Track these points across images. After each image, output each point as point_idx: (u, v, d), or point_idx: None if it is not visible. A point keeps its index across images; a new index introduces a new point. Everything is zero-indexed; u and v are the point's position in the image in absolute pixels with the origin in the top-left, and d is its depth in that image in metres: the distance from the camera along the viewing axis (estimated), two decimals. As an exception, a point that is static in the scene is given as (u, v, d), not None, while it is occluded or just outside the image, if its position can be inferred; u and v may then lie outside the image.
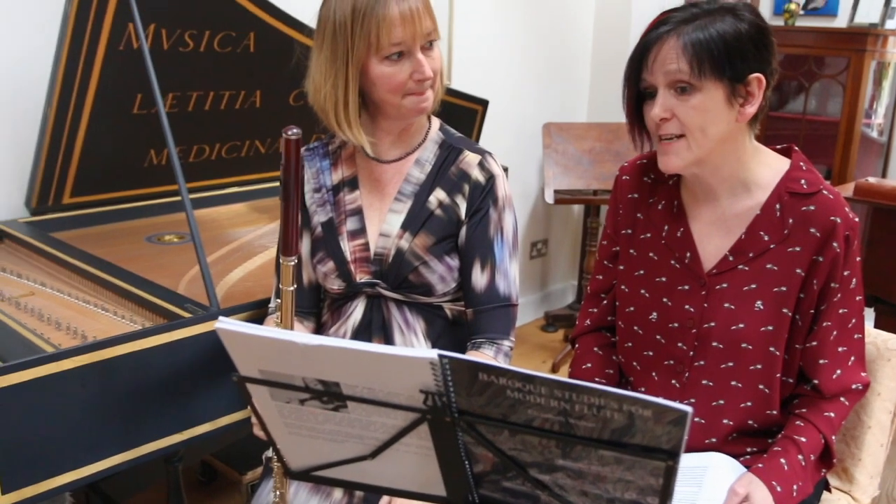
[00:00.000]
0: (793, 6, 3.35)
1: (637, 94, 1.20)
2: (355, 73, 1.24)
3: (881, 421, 1.36)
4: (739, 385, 1.24)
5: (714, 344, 1.24)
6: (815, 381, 1.23)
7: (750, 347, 1.22)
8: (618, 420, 0.76)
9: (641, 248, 1.32)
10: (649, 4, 3.34)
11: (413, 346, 1.34)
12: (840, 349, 1.23)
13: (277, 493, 1.16)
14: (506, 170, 1.48)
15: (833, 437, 1.23)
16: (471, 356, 1.31)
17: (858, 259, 1.23)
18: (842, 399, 1.24)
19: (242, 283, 1.70)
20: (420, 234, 1.33)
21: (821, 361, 1.22)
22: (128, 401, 1.33)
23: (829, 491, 1.36)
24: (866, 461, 1.37)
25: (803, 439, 1.21)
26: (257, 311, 1.51)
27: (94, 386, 1.27)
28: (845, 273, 1.20)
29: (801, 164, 1.24)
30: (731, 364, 1.24)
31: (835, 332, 1.22)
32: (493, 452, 0.85)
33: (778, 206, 1.21)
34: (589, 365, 1.39)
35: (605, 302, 1.41)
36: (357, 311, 1.36)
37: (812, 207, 1.19)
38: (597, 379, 1.37)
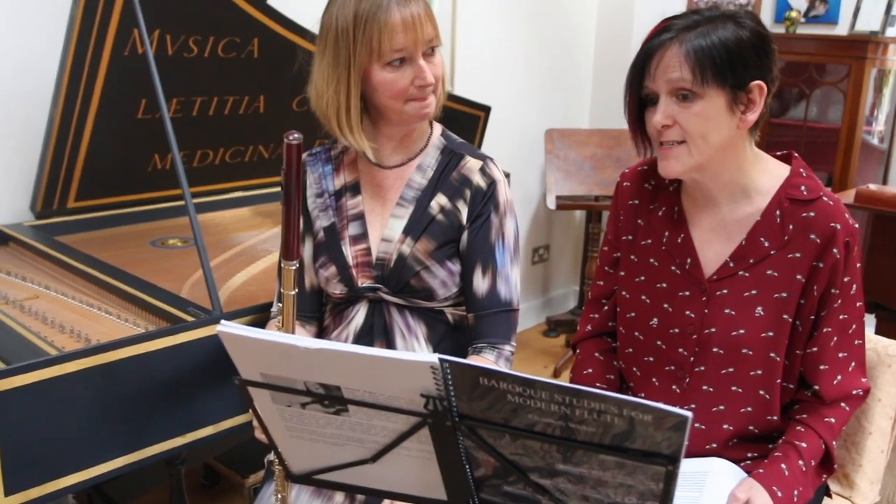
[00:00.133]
0: (794, 14, 3.35)
1: (639, 100, 1.21)
2: (357, 78, 1.25)
3: (882, 427, 1.36)
4: (740, 391, 1.24)
5: (714, 350, 1.24)
6: (816, 387, 1.23)
7: (750, 353, 1.22)
8: (618, 425, 0.76)
9: (642, 254, 1.33)
10: (651, 12, 3.35)
11: (414, 350, 1.34)
12: (840, 355, 1.23)
13: (279, 496, 1.16)
14: (508, 176, 1.49)
15: (834, 443, 1.23)
16: (472, 360, 1.32)
17: (858, 265, 1.23)
18: (842, 405, 1.24)
19: (245, 287, 1.70)
20: (422, 239, 1.33)
21: (821, 367, 1.23)
22: (131, 404, 1.33)
23: (830, 496, 1.36)
24: (867, 467, 1.37)
25: (804, 445, 1.21)
26: (260, 315, 1.51)
27: (97, 389, 1.28)
28: (845, 279, 1.20)
29: (801, 170, 1.25)
30: (731, 370, 1.24)
31: (835, 338, 1.22)
32: (494, 457, 0.85)
33: (778, 212, 1.22)
34: (590, 370, 1.40)
35: (606, 307, 1.41)
36: (359, 315, 1.36)
37: (812, 214, 1.20)
38: (598, 384, 1.37)
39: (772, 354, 1.22)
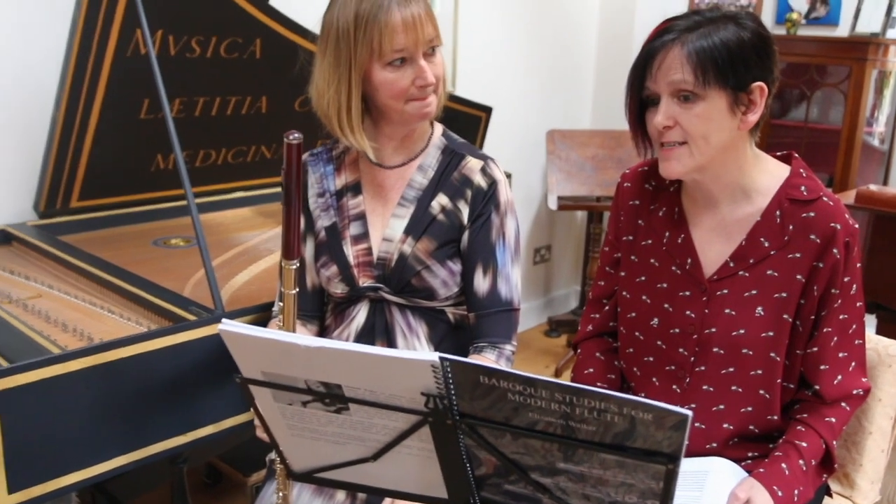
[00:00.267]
0: (795, 15, 3.35)
1: (640, 101, 1.21)
2: (358, 78, 1.25)
3: (882, 426, 1.37)
4: (740, 390, 1.24)
5: (715, 349, 1.25)
6: (816, 387, 1.23)
7: (750, 353, 1.23)
8: (619, 424, 0.77)
9: (643, 255, 1.33)
10: (652, 13, 3.35)
11: (415, 349, 1.35)
12: (841, 355, 1.23)
13: (281, 494, 1.16)
14: (509, 176, 1.49)
15: (834, 443, 1.24)
16: (472, 360, 1.32)
17: (858, 265, 1.23)
18: (843, 404, 1.25)
19: (247, 286, 1.71)
20: (422, 239, 1.34)
21: (821, 367, 1.23)
22: (133, 402, 1.33)
23: (831, 496, 1.36)
24: (867, 467, 1.38)
25: (804, 444, 1.21)
26: (261, 315, 1.52)
27: (99, 387, 1.28)
28: (845, 279, 1.20)
29: (801, 170, 1.25)
30: (731, 369, 1.24)
31: (835, 338, 1.22)
32: (495, 456, 0.86)
33: (778, 212, 1.22)
34: (591, 370, 1.40)
35: (607, 308, 1.42)
36: (360, 314, 1.37)
37: (812, 214, 1.20)
38: (599, 384, 1.37)
39: (772, 354, 1.22)
